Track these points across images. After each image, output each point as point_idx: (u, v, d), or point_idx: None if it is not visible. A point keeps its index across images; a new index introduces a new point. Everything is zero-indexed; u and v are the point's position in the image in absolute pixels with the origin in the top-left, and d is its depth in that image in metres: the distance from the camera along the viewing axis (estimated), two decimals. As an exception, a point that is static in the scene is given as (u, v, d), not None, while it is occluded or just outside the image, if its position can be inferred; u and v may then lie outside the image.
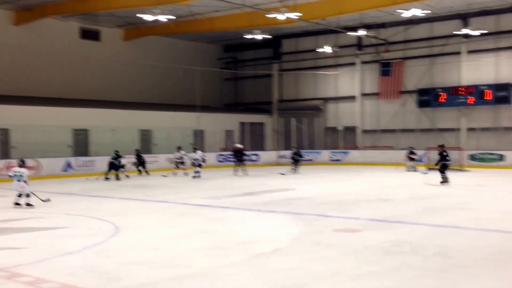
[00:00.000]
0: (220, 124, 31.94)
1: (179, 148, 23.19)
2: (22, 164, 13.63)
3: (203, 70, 31.47)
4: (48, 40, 27.24)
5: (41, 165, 21.94)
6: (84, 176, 22.72)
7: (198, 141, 30.28)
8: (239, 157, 23.33)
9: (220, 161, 29.02)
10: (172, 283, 6.46)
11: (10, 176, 13.56)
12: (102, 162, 23.95)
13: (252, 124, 32.73)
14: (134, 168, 23.35)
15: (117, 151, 21.88)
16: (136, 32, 30.89)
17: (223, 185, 19.10)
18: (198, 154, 21.96)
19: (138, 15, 22.70)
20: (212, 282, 6.50)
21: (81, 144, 25.48)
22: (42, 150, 22.59)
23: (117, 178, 21.43)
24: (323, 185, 18.80)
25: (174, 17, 24.06)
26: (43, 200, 13.60)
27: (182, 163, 22.87)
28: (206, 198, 14.94)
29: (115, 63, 30.10)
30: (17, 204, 13.25)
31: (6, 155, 22.57)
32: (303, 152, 26.74)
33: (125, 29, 30.97)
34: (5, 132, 22.88)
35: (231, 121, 32.81)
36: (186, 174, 22.30)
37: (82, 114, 25.42)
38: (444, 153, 18.21)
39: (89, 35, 29.57)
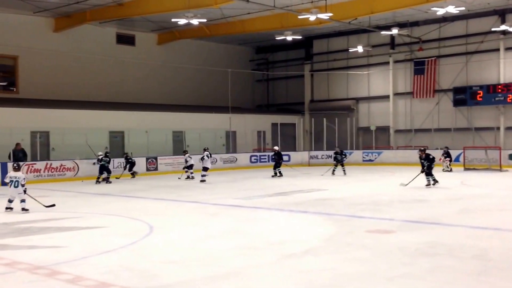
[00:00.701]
0: (251, 125, 32.07)
1: (184, 152, 22.81)
2: (17, 168, 13.00)
3: (235, 72, 31.67)
4: (86, 46, 28.02)
5: (79, 167, 22.43)
6: (120, 177, 23.14)
7: (230, 142, 30.48)
8: (277, 159, 23.22)
9: (252, 162, 29.11)
10: (205, 282, 6.53)
11: (6, 182, 12.71)
12: (137, 163, 24.37)
13: (283, 124, 32.71)
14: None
15: (107, 151, 21.46)
16: (170, 36, 31.40)
17: (255, 185, 19.16)
18: (205, 154, 20.96)
19: (172, 19, 23.01)
20: (244, 282, 6.55)
21: (117, 146, 25.99)
22: (80, 152, 23.15)
23: (107, 181, 20.53)
24: (355, 185, 18.65)
25: (206, 20, 24.34)
26: (46, 206, 12.86)
27: (188, 166, 22.18)
28: (238, 198, 15.02)
29: (150, 67, 30.70)
30: (8, 208, 12.60)
31: (46, 156, 23.27)
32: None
33: (159, 33, 31.52)
34: (45, 134, 23.56)
35: (263, 122, 32.90)
36: (188, 177, 21.88)
37: (117, 117, 25.99)
38: (430, 156, 17.26)
39: (125, 40, 30.35)
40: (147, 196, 16.21)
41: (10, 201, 12.68)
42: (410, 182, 17.23)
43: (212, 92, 33.55)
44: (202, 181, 20.24)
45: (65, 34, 27.24)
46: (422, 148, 18.26)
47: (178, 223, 11.17)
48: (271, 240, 9.03)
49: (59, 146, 23.19)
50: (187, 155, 22.08)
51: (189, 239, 9.28)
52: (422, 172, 17.22)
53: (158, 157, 25.58)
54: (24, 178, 12.71)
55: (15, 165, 13.29)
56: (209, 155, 21.04)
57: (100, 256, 7.98)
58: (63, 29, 27.04)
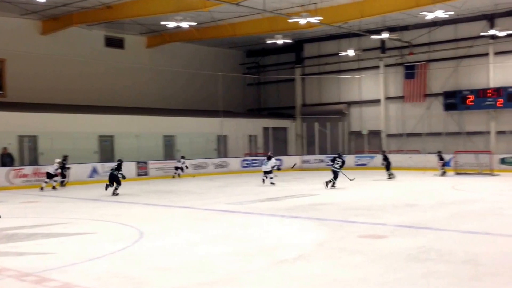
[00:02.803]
0: (243, 129, 31.99)
1: (182, 157, 25.59)
2: None
3: (225, 76, 31.60)
4: (74, 49, 27.69)
5: (68, 171, 22.17)
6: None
7: (222, 146, 30.35)
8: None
9: (244, 167, 29.00)
10: (196, 290, 6.45)
11: None
12: (127, 168, 24.16)
13: (275, 129, 32.69)
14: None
15: (66, 155, 21.15)
16: (159, 39, 31.23)
17: (247, 190, 19.07)
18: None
19: (161, 22, 22.90)
20: (236, 289, 6.49)
21: (106, 150, 25.78)
22: (68, 157, 22.91)
23: (52, 187, 19.91)
24: (348, 190, 18.61)
25: (196, 24, 24.24)
26: None
27: (181, 168, 25.48)
28: (230, 203, 14.93)
29: (139, 70, 30.45)
30: None
31: (34, 161, 22.96)
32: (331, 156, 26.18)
33: (148, 37, 31.34)
34: (33, 139, 23.28)
35: (254, 126, 32.84)
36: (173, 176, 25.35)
37: (107, 121, 25.77)
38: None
39: (114, 43, 30.08)
40: (138, 201, 16.05)
41: None
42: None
43: (203, 96, 33.43)
44: (271, 183, 20.54)
45: (52, 37, 26.91)
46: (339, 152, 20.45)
47: (169, 228, 11.05)
48: (263, 245, 8.96)
49: (47, 151, 22.88)
50: (182, 160, 25.12)
51: (180, 245, 9.17)
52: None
53: (149, 162, 25.43)
54: None
55: None
56: (268, 159, 21.01)
57: (89, 262, 7.86)
58: (51, 32, 26.73)
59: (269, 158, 21.05)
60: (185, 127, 28.62)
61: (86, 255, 8.35)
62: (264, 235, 10.11)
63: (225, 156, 30.01)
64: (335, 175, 18.78)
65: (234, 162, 28.95)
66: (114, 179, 17.79)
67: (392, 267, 7.26)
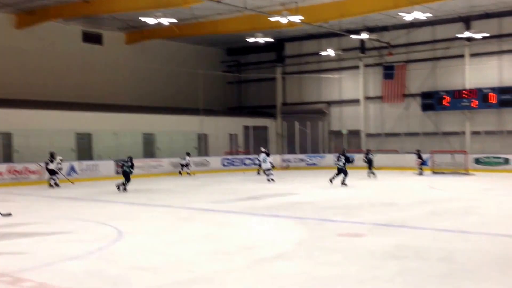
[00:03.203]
0: (223, 127, 31.92)
1: (187, 154, 26.29)
2: None
3: (206, 74, 31.47)
4: (50, 44, 27.25)
5: (44, 170, 21.86)
6: (88, 180, 22.77)
7: (202, 144, 30.24)
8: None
9: (224, 165, 28.96)
10: (175, 288, 6.42)
11: None
12: (105, 166, 24.03)
13: (255, 127, 32.70)
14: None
15: (52, 152, 20.57)
16: (139, 35, 30.91)
17: (227, 189, 19.06)
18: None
19: (140, 18, 22.69)
20: (215, 287, 6.48)
21: (84, 148, 25.44)
22: (45, 155, 22.55)
23: (54, 184, 19.96)
24: (327, 189, 18.73)
25: (176, 21, 24.08)
26: (2, 214, 12.20)
27: (186, 165, 26.08)
28: (210, 202, 14.90)
29: (118, 67, 30.11)
30: None
31: (9, 159, 22.54)
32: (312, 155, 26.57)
33: (127, 33, 31.00)
34: (7, 136, 22.81)
35: (235, 124, 32.79)
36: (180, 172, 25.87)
37: (85, 118, 25.40)
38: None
39: (92, 38, 29.59)
40: (116, 200, 15.91)
41: None
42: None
43: (183, 94, 33.24)
44: (271, 180, 21.06)
45: (28, 31, 26.29)
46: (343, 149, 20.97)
47: (148, 228, 10.98)
48: (242, 244, 8.97)
49: (22, 148, 22.45)
50: (187, 157, 26.13)
51: (160, 244, 9.13)
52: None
53: (128, 160, 25.17)
54: None
55: None
56: (265, 157, 21.54)
57: (65, 262, 7.76)
58: (26, 26, 26.11)
59: (267, 155, 21.47)
60: (165, 125, 28.39)
61: (62, 254, 8.23)
62: (244, 234, 10.13)
63: (206, 155, 29.92)
64: (339, 172, 19.25)
65: (215, 161, 28.88)
66: (126, 176, 18.38)
67: (369, 265, 7.35)
